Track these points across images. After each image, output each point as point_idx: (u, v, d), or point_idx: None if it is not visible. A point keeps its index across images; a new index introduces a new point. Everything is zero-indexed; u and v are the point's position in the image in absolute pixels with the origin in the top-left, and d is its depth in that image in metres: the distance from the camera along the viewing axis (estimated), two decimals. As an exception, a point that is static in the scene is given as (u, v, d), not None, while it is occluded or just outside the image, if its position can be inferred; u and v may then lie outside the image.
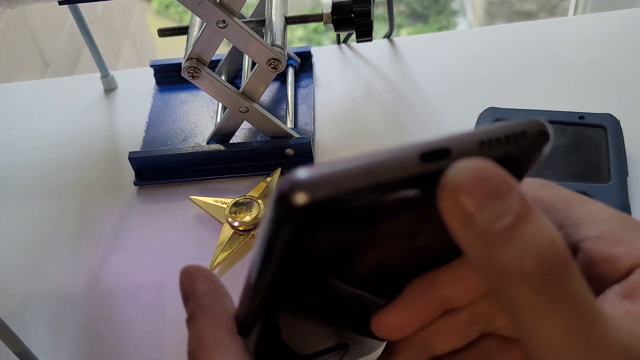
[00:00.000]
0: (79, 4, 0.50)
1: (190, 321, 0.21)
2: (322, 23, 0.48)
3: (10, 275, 0.44)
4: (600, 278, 0.19)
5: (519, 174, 0.17)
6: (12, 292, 0.43)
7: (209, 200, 0.45)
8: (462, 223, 0.15)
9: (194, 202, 0.45)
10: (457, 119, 0.49)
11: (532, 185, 0.21)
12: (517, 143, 0.16)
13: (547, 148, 0.17)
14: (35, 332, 0.40)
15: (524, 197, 0.16)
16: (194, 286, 0.21)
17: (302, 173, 0.14)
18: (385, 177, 0.15)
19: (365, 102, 0.53)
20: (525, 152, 0.17)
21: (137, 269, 0.43)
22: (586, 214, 0.20)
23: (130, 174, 0.49)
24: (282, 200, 0.14)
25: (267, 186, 0.45)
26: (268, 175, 0.47)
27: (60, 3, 0.45)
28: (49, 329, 0.41)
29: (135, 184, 0.48)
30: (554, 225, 0.16)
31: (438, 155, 0.16)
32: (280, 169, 0.47)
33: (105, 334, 0.40)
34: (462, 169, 0.15)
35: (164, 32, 0.49)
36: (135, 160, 0.48)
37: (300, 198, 0.14)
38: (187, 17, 1.82)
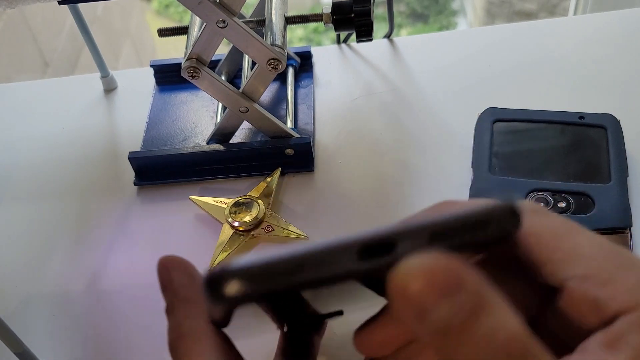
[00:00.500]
0: (78, 4, 0.50)
1: (169, 312, 0.21)
2: (322, 23, 0.48)
3: (10, 275, 0.44)
4: (584, 322, 0.18)
5: (483, 249, 0.17)
6: (12, 292, 0.43)
7: (209, 200, 0.45)
8: (416, 320, 0.15)
9: (194, 202, 0.45)
10: (457, 119, 0.49)
11: (523, 212, 0.20)
12: (477, 234, 0.15)
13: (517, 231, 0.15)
14: (35, 332, 0.40)
15: (479, 290, 0.15)
16: (171, 277, 0.21)
17: (235, 263, 0.14)
18: (317, 275, 0.14)
19: (365, 102, 0.53)
20: (489, 241, 0.15)
21: (137, 269, 0.43)
22: (575, 247, 0.19)
23: (130, 174, 0.49)
24: (212, 285, 0.14)
25: (267, 186, 0.45)
26: (268, 175, 0.47)
27: (60, 3, 0.45)
28: (48, 329, 0.41)
29: (135, 184, 0.48)
30: (513, 314, 0.15)
31: (380, 251, 0.14)
32: (280, 169, 0.47)
33: (105, 334, 0.40)
34: (409, 269, 0.14)
35: (163, 32, 0.49)
36: (135, 160, 0.48)
37: (230, 288, 0.13)
38: (187, 17, 1.82)
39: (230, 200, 0.43)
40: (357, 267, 0.14)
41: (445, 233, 0.15)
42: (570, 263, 0.18)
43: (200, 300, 0.20)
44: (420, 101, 0.52)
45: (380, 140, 0.50)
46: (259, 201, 0.43)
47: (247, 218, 0.42)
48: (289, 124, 0.50)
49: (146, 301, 0.41)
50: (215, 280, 0.14)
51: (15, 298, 0.43)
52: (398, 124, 0.51)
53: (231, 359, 0.20)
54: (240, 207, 0.43)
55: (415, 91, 0.53)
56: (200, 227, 0.45)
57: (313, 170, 0.48)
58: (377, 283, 0.20)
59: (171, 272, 0.21)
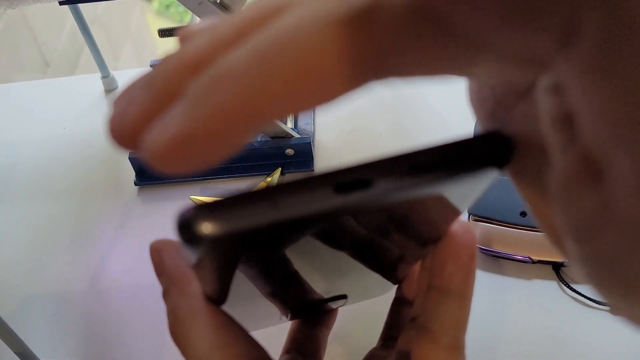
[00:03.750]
0: (79, 4, 0.50)
1: (165, 296, 0.21)
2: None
3: (10, 275, 0.44)
4: None
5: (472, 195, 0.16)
6: (12, 291, 0.43)
7: (209, 200, 0.45)
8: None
9: (194, 202, 0.45)
10: (458, 119, 0.49)
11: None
12: (462, 165, 0.13)
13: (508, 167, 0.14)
14: (36, 331, 0.40)
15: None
16: (162, 259, 0.21)
17: (204, 206, 0.13)
18: (293, 210, 0.13)
19: (365, 102, 0.53)
20: (476, 176, 0.14)
21: (137, 269, 0.43)
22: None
23: (130, 174, 0.49)
24: (185, 227, 0.13)
25: (269, 185, 0.45)
26: (268, 175, 0.47)
27: (60, 3, 0.45)
28: (49, 328, 0.41)
29: (135, 184, 0.48)
30: None
31: (356, 186, 0.13)
32: (280, 169, 0.47)
33: (106, 334, 0.40)
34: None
35: (164, 33, 0.49)
36: (136, 160, 0.48)
37: (205, 228, 0.12)
38: (187, 18, 1.82)
39: (230, 200, 0.43)
40: (334, 201, 0.13)
41: (426, 165, 0.13)
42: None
43: (194, 279, 0.20)
44: (420, 101, 0.52)
45: (380, 140, 0.50)
46: (259, 201, 0.43)
47: (247, 218, 0.42)
48: (289, 124, 0.50)
49: (146, 301, 0.41)
50: (188, 221, 0.13)
51: (16, 297, 0.43)
52: (398, 124, 0.51)
53: (232, 336, 0.20)
54: (240, 207, 0.43)
55: (415, 91, 0.53)
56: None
57: (313, 170, 0.48)
58: (370, 256, 0.19)
59: (163, 254, 0.21)
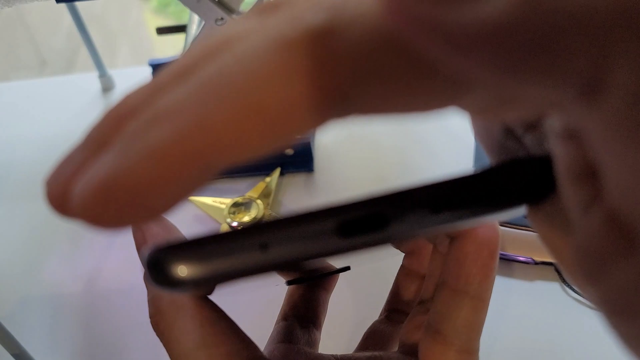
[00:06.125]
0: (76, 3, 0.50)
1: (147, 281, 0.19)
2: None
3: (7, 277, 0.44)
4: None
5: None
6: (9, 293, 0.43)
7: (208, 200, 0.45)
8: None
9: (193, 203, 0.45)
10: (458, 119, 0.49)
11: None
12: (494, 201, 0.11)
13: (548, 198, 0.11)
14: (33, 333, 0.40)
15: None
16: (146, 240, 0.19)
17: (180, 242, 0.11)
18: (284, 256, 0.11)
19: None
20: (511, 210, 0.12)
21: (135, 270, 0.43)
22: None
23: (128, 173, 0.48)
24: (155, 267, 0.11)
25: (266, 186, 0.45)
26: (267, 175, 0.46)
27: (57, 1, 0.44)
28: (46, 330, 0.40)
29: (133, 183, 0.48)
30: None
31: (367, 226, 0.11)
32: (279, 168, 0.47)
33: (103, 336, 0.40)
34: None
35: (162, 31, 0.49)
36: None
37: (181, 271, 0.11)
38: (185, 16, 1.81)
39: (229, 201, 0.43)
40: (336, 246, 0.11)
41: (451, 201, 0.11)
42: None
43: None
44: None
45: (380, 140, 0.49)
46: (258, 201, 0.43)
47: (246, 218, 0.42)
48: (289, 124, 0.49)
49: (144, 302, 0.41)
50: (159, 260, 0.11)
51: (13, 299, 0.42)
52: (398, 124, 0.50)
53: (220, 333, 0.18)
54: (239, 207, 0.43)
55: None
56: (199, 228, 0.45)
57: (313, 170, 0.47)
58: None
59: (146, 234, 0.19)
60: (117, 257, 0.44)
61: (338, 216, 0.11)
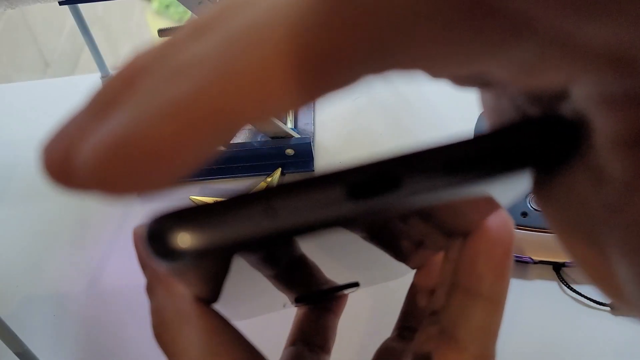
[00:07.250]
0: (79, 4, 0.50)
1: (150, 292, 0.18)
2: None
3: (10, 276, 0.44)
4: None
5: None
6: (12, 292, 0.43)
7: (209, 200, 0.45)
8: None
9: (194, 203, 0.45)
10: (458, 119, 0.49)
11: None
12: (512, 161, 0.10)
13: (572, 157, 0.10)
14: (36, 332, 0.40)
15: None
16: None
17: (182, 209, 0.10)
18: (294, 221, 0.10)
19: (365, 102, 0.53)
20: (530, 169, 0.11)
21: (137, 270, 0.43)
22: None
23: (130, 174, 0.49)
24: (156, 236, 0.10)
25: (267, 187, 0.45)
26: (268, 175, 0.47)
27: (60, 3, 0.45)
28: (49, 329, 0.41)
29: (135, 184, 0.48)
30: None
31: (378, 188, 0.10)
32: (280, 169, 0.47)
33: (106, 334, 0.40)
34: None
35: (164, 32, 0.49)
36: (136, 160, 0.48)
37: (182, 240, 0.10)
38: (186, 17, 1.81)
39: (230, 201, 0.43)
40: (347, 210, 0.10)
41: (466, 160, 0.10)
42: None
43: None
44: (420, 101, 0.52)
45: (380, 140, 0.50)
46: (259, 201, 0.43)
47: (247, 218, 0.42)
48: (289, 124, 0.50)
49: (146, 301, 0.41)
50: (160, 229, 0.10)
51: (16, 298, 0.43)
52: (398, 124, 0.51)
53: (226, 343, 0.17)
54: (240, 207, 0.43)
55: (415, 91, 0.53)
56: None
57: (313, 170, 0.48)
58: (386, 239, 0.16)
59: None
60: (120, 256, 0.44)
61: (348, 178, 0.10)
